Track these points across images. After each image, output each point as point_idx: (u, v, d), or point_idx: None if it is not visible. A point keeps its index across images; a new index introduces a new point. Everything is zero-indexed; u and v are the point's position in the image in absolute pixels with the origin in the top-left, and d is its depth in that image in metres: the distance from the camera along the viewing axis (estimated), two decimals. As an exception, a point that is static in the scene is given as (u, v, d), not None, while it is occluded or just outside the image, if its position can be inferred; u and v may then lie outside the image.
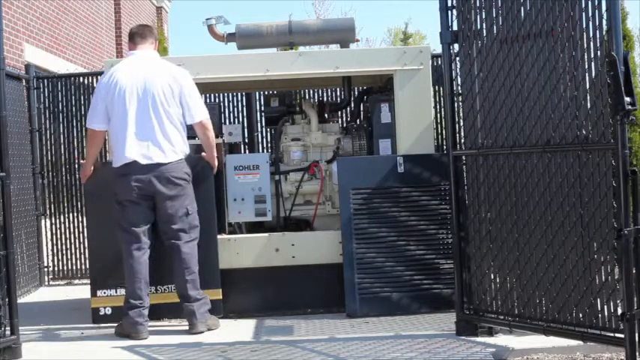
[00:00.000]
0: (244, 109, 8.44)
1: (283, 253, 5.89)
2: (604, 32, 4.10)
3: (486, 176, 4.78)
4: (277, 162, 6.33)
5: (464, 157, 4.96)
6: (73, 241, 8.17)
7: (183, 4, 34.88)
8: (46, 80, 8.14)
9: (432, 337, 4.96)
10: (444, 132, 7.08)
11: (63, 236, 8.16)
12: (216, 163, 5.64)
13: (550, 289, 4.40)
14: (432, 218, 5.73)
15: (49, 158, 8.15)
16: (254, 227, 6.28)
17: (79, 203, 8.07)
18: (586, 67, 4.22)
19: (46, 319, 5.98)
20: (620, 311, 4.04)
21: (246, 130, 8.02)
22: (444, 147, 6.53)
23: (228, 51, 7.38)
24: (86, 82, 8.26)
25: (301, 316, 5.76)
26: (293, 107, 6.60)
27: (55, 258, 8.17)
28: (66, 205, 8.16)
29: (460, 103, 5.00)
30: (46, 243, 8.06)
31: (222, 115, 8.10)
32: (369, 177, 5.74)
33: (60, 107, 8.16)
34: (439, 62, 6.62)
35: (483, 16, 4.77)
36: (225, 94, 8.42)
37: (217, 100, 8.24)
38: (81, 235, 8.08)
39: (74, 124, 8.17)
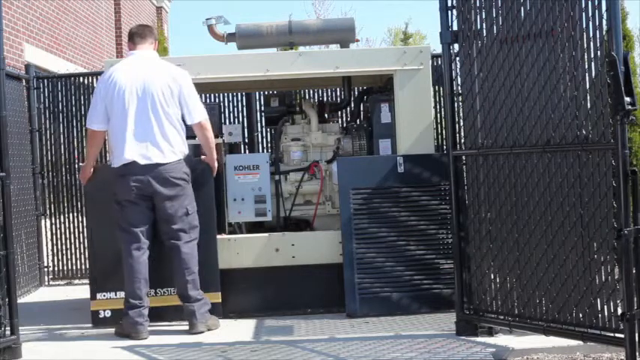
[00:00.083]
0: (244, 109, 8.44)
1: (283, 253, 5.89)
2: (604, 32, 4.10)
3: (486, 176, 4.78)
4: (277, 162, 6.33)
5: (464, 157, 4.96)
6: (73, 241, 8.17)
7: (183, 4, 34.89)
8: (46, 80, 8.14)
9: (432, 337, 4.96)
10: (444, 132, 7.09)
11: (63, 236, 8.17)
12: (216, 165, 5.64)
13: (550, 289, 4.40)
14: (432, 218, 5.73)
15: (49, 158, 8.16)
16: (254, 227, 6.28)
17: (79, 203, 8.08)
18: (586, 67, 4.22)
19: (46, 319, 5.99)
20: (620, 311, 4.04)
21: (246, 130, 8.02)
22: (444, 147, 6.53)
23: (228, 51, 7.39)
24: (86, 82, 8.27)
25: (301, 316, 5.76)
26: (293, 107, 6.60)
27: (55, 258, 8.17)
28: (66, 205, 8.17)
29: (460, 103, 5.00)
30: (46, 243, 8.07)
31: (222, 115, 8.10)
32: (369, 177, 5.74)
33: (60, 107, 8.16)
34: (439, 62, 6.62)
35: (483, 16, 4.77)
36: (225, 94, 8.42)
37: (217, 100, 8.24)
38: (81, 235, 8.09)
39: (74, 124, 8.18)
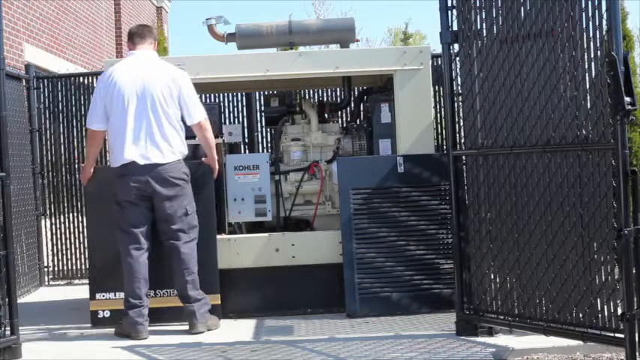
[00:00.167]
0: (244, 109, 8.43)
1: (283, 253, 5.89)
2: (604, 32, 4.10)
3: (486, 176, 4.78)
4: (277, 162, 6.33)
5: (464, 157, 4.96)
6: (73, 241, 8.17)
7: (183, 4, 34.89)
8: (46, 80, 8.14)
9: (432, 337, 4.96)
10: (444, 132, 7.09)
11: (63, 236, 8.17)
12: (217, 165, 5.64)
13: (550, 289, 4.40)
14: (432, 218, 5.73)
15: (49, 158, 8.16)
16: (254, 227, 6.28)
17: (79, 203, 8.08)
18: (586, 67, 4.22)
19: (46, 319, 5.99)
20: (620, 311, 4.04)
21: (246, 130, 8.02)
22: (444, 147, 6.53)
23: (228, 51, 7.39)
24: (86, 82, 8.27)
25: (301, 316, 5.76)
26: (293, 107, 6.60)
27: (55, 258, 8.17)
28: (66, 205, 8.17)
29: (460, 103, 5.00)
30: (46, 243, 8.06)
31: (222, 115, 8.10)
32: (369, 177, 5.74)
33: (60, 107, 8.16)
34: (439, 62, 6.62)
35: (483, 16, 4.76)
36: (225, 94, 8.42)
37: (217, 100, 8.24)
38: (81, 235, 8.09)
39: (74, 124, 8.18)
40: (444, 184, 5.61)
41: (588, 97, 4.20)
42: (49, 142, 8.14)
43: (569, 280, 4.29)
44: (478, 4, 4.78)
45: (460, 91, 4.97)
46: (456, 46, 4.93)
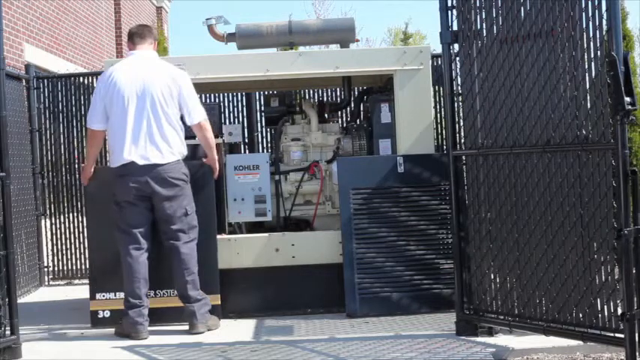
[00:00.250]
0: (244, 109, 8.44)
1: (283, 253, 5.89)
2: (604, 32, 4.10)
3: (486, 176, 4.78)
4: (277, 162, 6.33)
5: (464, 157, 4.96)
6: (73, 241, 8.17)
7: (183, 4, 34.88)
8: (46, 80, 8.14)
9: (432, 337, 4.96)
10: (444, 132, 7.09)
11: (63, 236, 8.17)
12: (218, 166, 5.64)
13: (550, 289, 4.40)
14: (432, 218, 5.73)
15: (49, 158, 8.15)
16: (254, 227, 6.28)
17: (79, 203, 8.08)
18: (586, 67, 4.22)
19: (46, 319, 5.99)
20: (620, 311, 4.04)
21: (246, 130, 8.03)
22: (444, 147, 6.53)
23: (228, 51, 7.39)
24: (86, 82, 8.27)
25: (301, 316, 5.76)
26: (293, 107, 6.60)
27: (55, 258, 8.17)
28: (66, 205, 8.17)
29: (460, 103, 5.00)
30: (46, 243, 8.06)
31: (222, 115, 8.10)
32: (369, 177, 5.74)
33: (60, 107, 8.16)
34: (439, 62, 6.62)
35: (483, 16, 4.76)
36: (225, 94, 8.41)
37: (217, 100, 8.24)
38: (81, 235, 8.09)
39: (74, 124, 8.18)
40: (444, 184, 5.61)
41: (588, 97, 4.20)
42: (49, 142, 8.14)
43: (569, 280, 4.29)
44: (478, 4, 4.78)
45: (460, 91, 4.97)
46: (456, 46, 4.93)
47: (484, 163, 4.80)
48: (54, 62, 10.88)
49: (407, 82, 5.92)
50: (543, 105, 4.41)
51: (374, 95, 6.40)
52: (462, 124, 5.00)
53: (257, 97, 8.25)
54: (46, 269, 8.02)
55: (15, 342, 4.82)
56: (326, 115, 6.66)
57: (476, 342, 4.76)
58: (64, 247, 8.16)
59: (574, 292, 4.27)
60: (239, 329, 5.46)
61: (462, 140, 5.01)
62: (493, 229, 4.73)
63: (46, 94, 8.12)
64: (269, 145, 8.36)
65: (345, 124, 7.40)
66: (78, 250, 8.15)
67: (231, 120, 8.47)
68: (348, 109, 7.24)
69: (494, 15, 4.69)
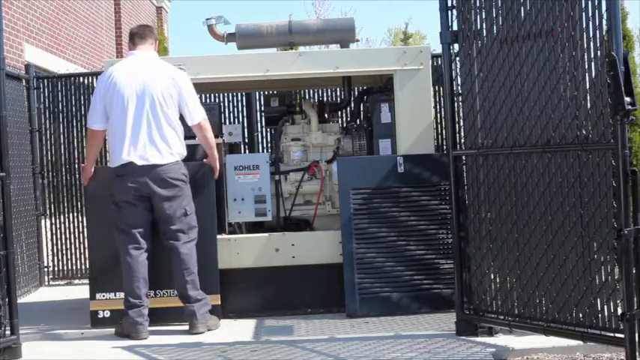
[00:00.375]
0: (244, 109, 8.43)
1: (283, 253, 5.89)
2: (604, 32, 4.10)
3: (486, 176, 4.78)
4: (277, 162, 6.33)
5: (464, 157, 4.96)
6: (73, 241, 8.17)
7: (183, 4, 34.89)
8: (46, 80, 8.14)
9: (432, 337, 4.96)
10: (444, 132, 7.09)
11: (63, 236, 8.17)
12: (218, 165, 5.64)
13: (550, 289, 4.40)
14: (432, 218, 5.73)
15: (49, 158, 8.16)
16: (254, 227, 6.28)
17: (79, 203, 8.08)
18: (586, 67, 4.22)
19: (46, 319, 5.99)
20: (620, 311, 4.04)
21: (246, 130, 8.02)
22: (444, 147, 6.53)
23: (228, 51, 7.39)
24: (86, 82, 8.27)
25: (301, 316, 5.76)
26: (293, 107, 6.60)
27: (55, 258, 8.17)
28: (66, 205, 8.17)
29: (460, 103, 5.00)
30: (46, 243, 8.06)
31: (222, 115, 8.10)
32: (369, 177, 5.74)
33: (60, 107, 8.16)
34: (439, 62, 6.62)
35: (483, 16, 4.76)
36: (225, 94, 8.41)
37: (217, 100, 8.24)
38: (81, 235, 8.09)
39: (74, 124, 8.18)
40: (444, 184, 5.61)
41: (588, 97, 4.20)
42: (49, 142, 8.14)
43: (569, 280, 4.29)
44: (478, 4, 4.78)
45: (460, 91, 4.96)
46: (456, 46, 4.93)
47: (484, 163, 4.80)
48: (54, 62, 10.88)
49: (407, 82, 5.92)
50: (543, 105, 4.41)
51: (374, 95, 6.40)
52: (462, 124, 5.00)
53: (257, 97, 8.25)
54: (46, 269, 8.02)
55: (15, 342, 4.82)
56: (326, 115, 6.66)
57: (476, 342, 4.76)
58: (64, 247, 8.16)
59: (574, 292, 4.26)
60: (239, 329, 5.46)
61: (462, 140, 5.01)
62: (493, 229, 4.73)
63: (46, 94, 8.12)
64: (269, 145, 8.35)
65: (345, 124, 7.40)
66: (78, 250, 8.15)
67: (231, 120, 8.47)
68: (348, 109, 7.24)
69: (494, 15, 4.69)
